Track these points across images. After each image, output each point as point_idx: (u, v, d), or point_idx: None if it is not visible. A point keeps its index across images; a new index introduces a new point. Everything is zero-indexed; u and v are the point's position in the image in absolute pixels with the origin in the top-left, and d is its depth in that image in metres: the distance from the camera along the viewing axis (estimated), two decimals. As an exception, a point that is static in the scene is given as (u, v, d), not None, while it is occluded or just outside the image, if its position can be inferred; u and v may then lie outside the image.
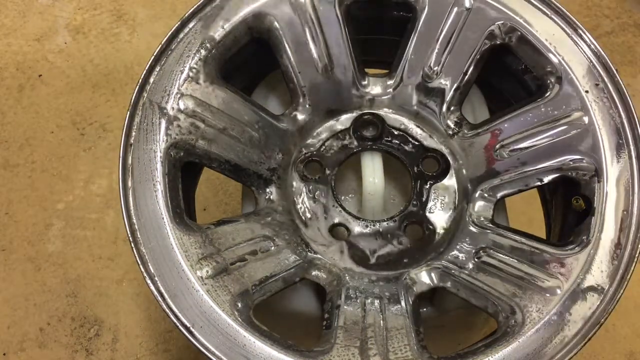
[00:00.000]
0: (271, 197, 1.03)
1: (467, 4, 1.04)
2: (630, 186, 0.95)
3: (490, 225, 1.01)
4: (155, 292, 0.86)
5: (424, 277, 0.98)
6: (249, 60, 1.10)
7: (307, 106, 1.06)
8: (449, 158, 1.07)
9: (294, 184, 1.05)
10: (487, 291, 0.93)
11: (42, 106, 2.14)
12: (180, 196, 0.95)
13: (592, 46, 1.02)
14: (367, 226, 1.03)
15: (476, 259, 0.97)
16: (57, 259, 1.87)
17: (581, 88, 1.00)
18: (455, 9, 1.04)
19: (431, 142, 1.08)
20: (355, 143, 1.08)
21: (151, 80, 0.97)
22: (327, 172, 1.06)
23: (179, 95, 0.97)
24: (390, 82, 1.09)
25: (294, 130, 1.07)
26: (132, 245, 0.88)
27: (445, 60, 1.05)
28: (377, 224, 1.03)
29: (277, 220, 1.00)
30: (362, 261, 1.01)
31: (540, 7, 1.03)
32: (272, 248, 0.96)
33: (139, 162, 0.93)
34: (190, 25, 1.01)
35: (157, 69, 0.98)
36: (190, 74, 0.99)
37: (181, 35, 1.00)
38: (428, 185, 1.06)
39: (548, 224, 1.19)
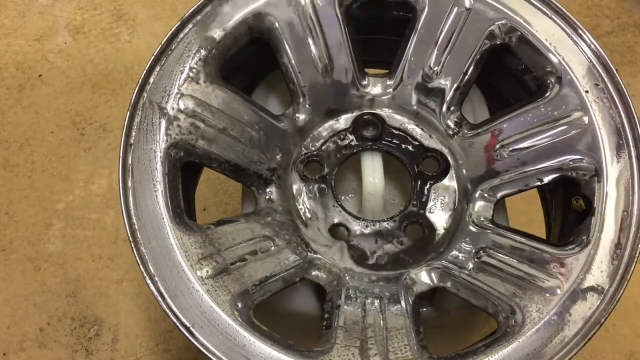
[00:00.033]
0: (271, 197, 1.03)
1: (467, 4, 1.04)
2: (630, 186, 0.95)
3: (490, 225, 1.01)
4: (155, 292, 0.86)
5: (424, 277, 0.98)
6: (249, 60, 1.10)
7: (307, 106, 1.06)
8: (449, 158, 1.07)
9: (294, 184, 1.05)
10: (487, 291, 0.94)
11: (42, 106, 2.14)
12: (180, 196, 0.95)
13: (592, 46, 1.02)
14: (367, 226, 1.03)
15: (476, 259, 0.97)
16: (57, 259, 1.87)
17: (581, 88, 1.00)
18: (455, 9, 1.04)
19: (431, 142, 1.08)
20: (355, 143, 1.08)
21: (151, 80, 0.97)
22: (327, 172, 1.06)
23: (179, 95, 0.97)
24: (390, 82, 1.09)
25: (294, 130, 1.07)
26: (132, 245, 0.88)
27: (445, 60, 1.05)
28: (377, 224, 1.03)
29: (277, 220, 1.00)
30: (362, 261, 1.01)
31: (540, 7, 1.03)
32: (272, 248, 0.96)
33: (139, 162, 0.93)
34: (190, 25, 1.01)
35: (157, 69, 0.98)
36: (190, 74, 0.99)
37: (181, 35, 1.00)
38: (428, 185, 1.06)
39: (548, 224, 1.19)
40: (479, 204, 1.03)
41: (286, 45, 1.03)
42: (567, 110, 1.00)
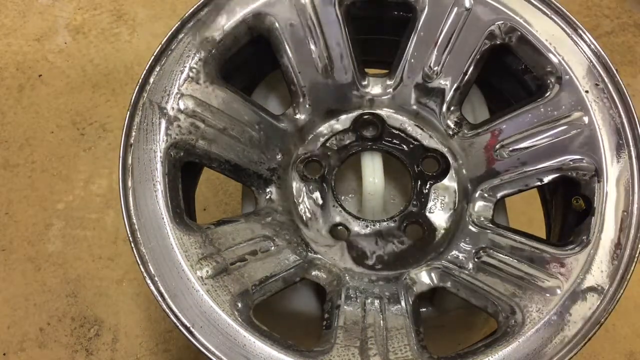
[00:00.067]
0: (271, 197, 1.03)
1: (467, 4, 1.04)
2: (630, 186, 0.95)
3: (490, 225, 1.01)
4: (155, 292, 0.86)
5: (424, 277, 0.98)
6: (249, 60, 1.10)
7: (307, 106, 1.07)
8: (449, 158, 1.07)
9: (294, 184, 1.05)
10: (487, 291, 0.93)
11: (42, 106, 2.14)
12: (180, 196, 0.95)
13: (592, 46, 1.02)
14: (367, 226, 1.03)
15: (476, 259, 0.97)
16: (57, 259, 1.87)
17: (581, 88, 1.00)
18: (455, 9, 1.04)
19: (431, 142, 1.08)
20: (355, 143, 1.08)
21: (151, 80, 0.97)
22: (327, 172, 1.06)
23: (179, 95, 0.97)
24: (390, 82, 1.09)
25: (294, 130, 1.07)
26: (132, 245, 0.88)
27: (445, 60, 1.05)
28: (377, 224, 1.03)
29: (277, 220, 1.00)
30: (362, 261, 1.01)
31: (540, 7, 1.03)
32: (272, 248, 0.96)
33: (139, 162, 0.93)
34: (190, 25, 1.01)
35: (157, 69, 0.98)
36: (190, 74, 0.99)
37: (181, 35, 1.00)
38: (428, 185, 1.06)
39: (548, 224, 1.19)
40: (479, 204, 1.03)
41: (286, 45, 1.03)
42: (567, 110, 1.00)
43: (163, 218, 0.91)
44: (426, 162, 1.07)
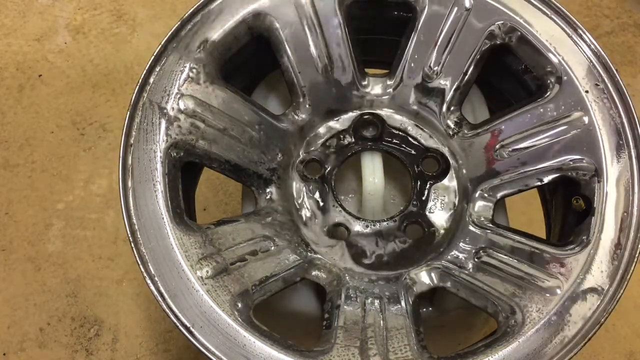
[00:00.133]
0: (271, 197, 1.03)
1: (467, 4, 1.04)
2: (630, 186, 0.95)
3: (490, 225, 1.01)
4: (155, 292, 0.86)
5: (424, 277, 0.98)
6: (249, 60, 1.10)
7: (307, 106, 1.07)
8: (449, 158, 1.07)
9: (294, 184, 1.05)
10: (487, 291, 0.93)
11: (42, 106, 2.14)
12: (180, 196, 0.95)
13: (592, 46, 1.02)
14: (367, 226, 1.03)
15: (476, 259, 0.97)
16: (57, 259, 1.87)
17: (581, 88, 1.00)
18: (455, 9, 1.04)
19: (431, 142, 1.08)
20: (355, 143, 1.08)
21: (151, 80, 0.97)
22: (327, 172, 1.06)
23: (179, 96, 0.97)
24: (390, 82, 1.09)
25: (294, 130, 1.07)
26: (132, 245, 0.88)
27: (445, 60, 1.05)
28: (377, 224, 1.03)
29: (277, 220, 1.00)
30: (362, 261, 1.01)
31: (540, 7, 1.03)
32: (272, 248, 0.96)
33: (139, 162, 0.93)
34: (190, 25, 1.01)
35: (157, 69, 0.98)
36: (191, 74, 0.99)
37: (181, 35, 1.00)
38: (428, 185, 1.06)
39: (548, 224, 1.19)
40: (479, 204, 1.03)
41: (286, 45, 1.03)
42: (567, 111, 1.00)
43: (163, 218, 0.91)
44: (426, 162, 1.07)
